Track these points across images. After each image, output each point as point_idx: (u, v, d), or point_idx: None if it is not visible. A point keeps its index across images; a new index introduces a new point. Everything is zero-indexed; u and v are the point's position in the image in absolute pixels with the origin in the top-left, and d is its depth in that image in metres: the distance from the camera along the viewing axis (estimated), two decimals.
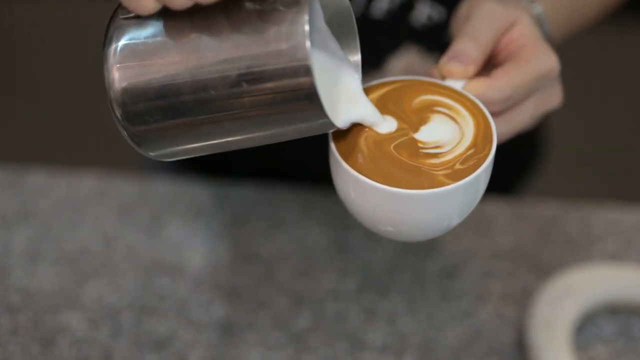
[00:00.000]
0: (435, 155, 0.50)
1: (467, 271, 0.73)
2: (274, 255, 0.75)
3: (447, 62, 0.53)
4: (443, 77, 0.54)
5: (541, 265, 0.74)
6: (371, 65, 0.73)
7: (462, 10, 0.57)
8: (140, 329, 0.70)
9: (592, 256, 0.75)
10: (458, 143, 0.51)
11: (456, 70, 0.53)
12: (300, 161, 0.81)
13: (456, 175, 0.49)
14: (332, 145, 0.51)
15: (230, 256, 0.75)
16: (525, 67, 0.53)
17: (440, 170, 0.50)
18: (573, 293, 0.69)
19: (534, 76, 0.53)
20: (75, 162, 1.08)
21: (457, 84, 0.53)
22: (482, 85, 0.53)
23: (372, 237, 0.75)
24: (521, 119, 0.55)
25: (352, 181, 0.50)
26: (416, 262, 0.74)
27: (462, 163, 0.50)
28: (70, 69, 1.90)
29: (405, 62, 0.73)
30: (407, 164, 0.50)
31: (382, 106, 0.52)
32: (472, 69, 0.53)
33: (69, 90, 1.87)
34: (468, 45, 0.53)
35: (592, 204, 0.79)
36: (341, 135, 0.51)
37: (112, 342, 0.69)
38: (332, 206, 0.78)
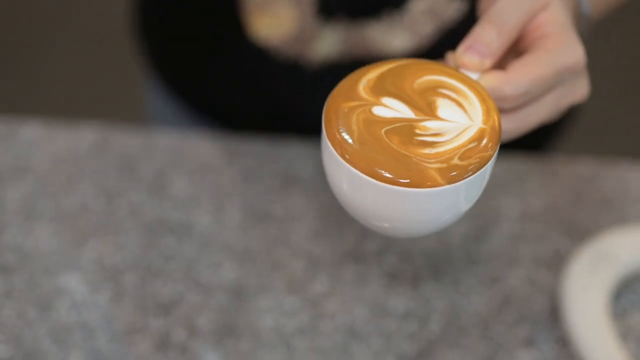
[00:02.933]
0: (432, 144, 0.44)
1: (495, 233, 0.68)
2: (288, 215, 0.69)
3: (464, 53, 0.48)
4: (457, 67, 0.49)
5: (575, 227, 0.69)
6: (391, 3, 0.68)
7: None
8: (144, 292, 0.65)
9: (629, 218, 0.70)
10: (461, 132, 0.45)
11: (472, 64, 0.48)
12: (314, 113, 0.76)
13: (449, 172, 0.43)
14: (324, 118, 0.45)
15: (240, 215, 0.69)
16: (546, 60, 0.48)
17: (433, 163, 0.43)
18: (610, 257, 0.64)
19: (555, 70, 0.48)
20: (73, 114, 1.02)
21: (470, 76, 0.48)
22: (496, 79, 0.48)
23: None
24: (536, 116, 0.50)
25: (333, 162, 0.44)
26: None
27: (460, 158, 0.44)
28: (69, 18, 1.83)
29: (428, 2, 0.67)
30: (395, 151, 0.43)
31: (380, 86, 0.46)
32: (489, 62, 0.48)
33: (66, 39, 1.79)
34: (490, 33, 0.48)
35: (629, 163, 0.74)
36: (337, 104, 0.45)
37: (114, 306, 0.64)
38: None
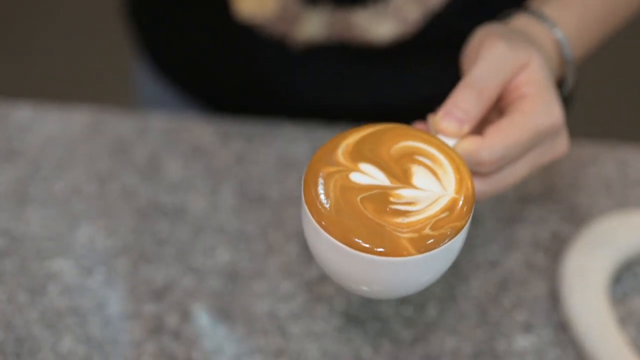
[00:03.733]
0: (405, 213, 0.45)
1: (493, 216, 0.67)
2: (283, 198, 0.68)
3: (443, 119, 0.49)
4: (436, 132, 0.50)
5: (574, 210, 0.68)
6: None
7: (474, 42, 0.52)
8: (137, 276, 0.64)
9: (629, 202, 0.69)
10: (433, 202, 0.46)
11: (450, 130, 0.49)
12: (310, 95, 0.75)
13: (421, 242, 0.44)
14: (303, 182, 0.47)
15: (234, 198, 0.68)
16: (522, 124, 0.49)
17: (405, 232, 0.44)
18: (610, 241, 0.64)
19: (532, 134, 0.49)
20: (64, 98, 1.00)
21: (447, 142, 0.49)
22: (473, 144, 0.48)
23: None
24: (513, 177, 0.51)
25: (310, 227, 0.46)
26: None
27: (432, 228, 0.45)
28: (60, 0, 1.81)
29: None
30: (370, 220, 0.45)
31: (358, 152, 0.47)
32: (467, 128, 0.49)
33: (57, 22, 1.77)
34: (469, 98, 0.49)
35: (629, 146, 0.73)
36: (316, 169, 0.47)
37: (107, 290, 0.63)
38: None
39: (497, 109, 0.52)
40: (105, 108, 0.75)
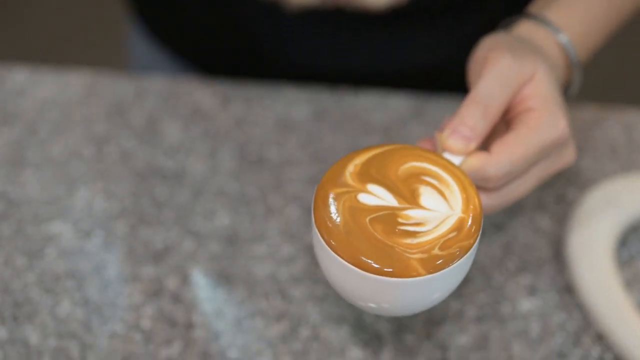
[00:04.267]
0: (413, 234, 0.45)
1: None
2: (282, 161, 0.67)
3: (449, 137, 0.49)
4: (443, 150, 0.50)
5: (580, 173, 0.67)
6: None
7: (480, 53, 0.52)
8: (136, 239, 0.63)
9: (635, 165, 0.68)
10: (441, 222, 0.46)
11: (457, 148, 0.49)
12: (304, 60, 0.74)
13: (430, 262, 0.45)
14: (313, 204, 0.47)
15: (234, 161, 0.67)
16: (527, 139, 0.49)
17: (415, 253, 0.45)
18: (615, 204, 0.63)
19: (538, 149, 0.49)
20: (61, 61, 0.99)
21: (454, 159, 0.49)
22: (480, 161, 0.49)
23: None
24: (520, 190, 0.51)
25: (320, 247, 0.46)
26: None
27: (441, 248, 0.45)
28: None
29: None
30: (379, 241, 0.45)
31: (365, 173, 0.47)
32: (473, 145, 0.49)
33: None
34: (475, 115, 0.49)
35: (634, 109, 0.72)
36: (326, 190, 0.47)
37: (105, 253, 0.62)
38: (347, 108, 0.70)
39: (503, 121, 0.52)
40: (102, 71, 0.74)
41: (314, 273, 0.62)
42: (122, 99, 0.71)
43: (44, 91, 0.72)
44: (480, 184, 0.49)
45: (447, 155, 0.49)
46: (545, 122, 0.49)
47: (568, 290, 0.61)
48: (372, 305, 0.47)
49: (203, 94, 0.71)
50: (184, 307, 0.60)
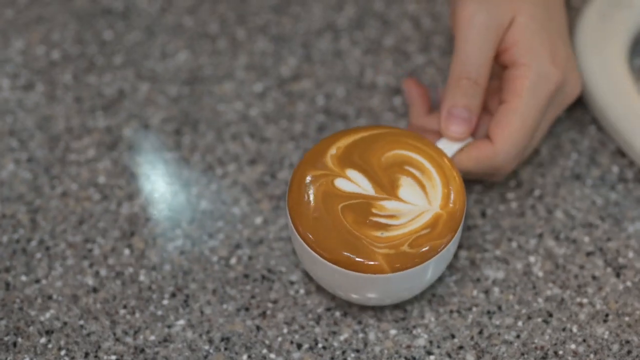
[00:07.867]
0: (385, 227, 0.43)
1: None
2: None
3: (448, 124, 0.47)
4: (442, 136, 0.47)
5: None
6: None
7: (452, 5, 0.48)
8: (85, 89, 0.55)
9: None
10: (416, 217, 0.43)
11: (459, 134, 0.47)
12: None
13: (395, 260, 0.42)
14: (289, 184, 0.45)
15: None
16: (523, 110, 0.46)
17: (382, 248, 0.43)
18: (628, 3, 0.55)
19: (537, 113, 0.46)
20: None
21: (450, 148, 0.46)
22: (484, 153, 0.46)
23: None
24: (534, 144, 0.49)
25: (290, 229, 0.45)
26: None
27: (410, 245, 0.43)
28: None
29: None
30: (347, 231, 0.43)
31: (347, 157, 0.45)
32: (475, 120, 0.47)
33: None
34: (467, 92, 0.46)
35: None
36: (303, 171, 0.45)
37: (50, 106, 0.55)
38: None
39: (496, 64, 0.48)
40: None
41: (289, 110, 0.54)
42: None
43: None
44: (496, 173, 0.48)
45: (442, 143, 0.46)
46: (535, 82, 0.46)
47: (579, 99, 0.54)
48: (340, 292, 0.45)
49: None
50: (144, 159, 0.53)
